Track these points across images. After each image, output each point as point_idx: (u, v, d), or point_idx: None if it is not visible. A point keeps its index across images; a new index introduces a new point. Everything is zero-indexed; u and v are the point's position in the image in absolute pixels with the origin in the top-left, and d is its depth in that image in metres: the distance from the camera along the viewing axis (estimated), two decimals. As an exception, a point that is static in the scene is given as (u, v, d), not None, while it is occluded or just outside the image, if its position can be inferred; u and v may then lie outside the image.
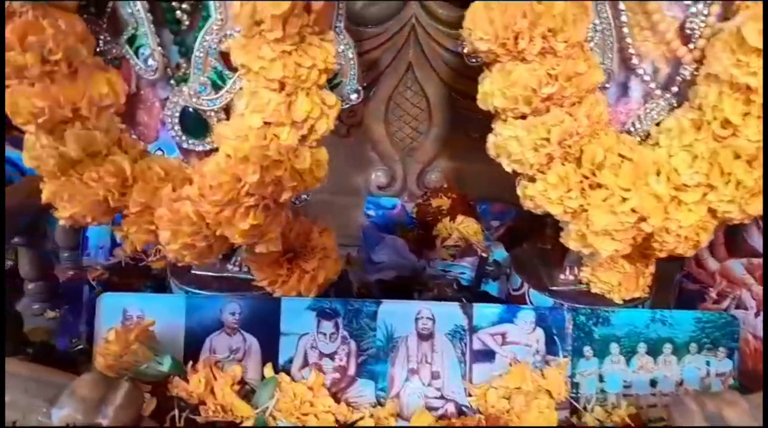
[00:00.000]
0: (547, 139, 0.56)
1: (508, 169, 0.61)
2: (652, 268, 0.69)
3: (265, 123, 0.56)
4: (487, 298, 0.87)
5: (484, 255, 0.77)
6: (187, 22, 0.59)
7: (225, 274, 0.74)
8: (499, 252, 0.90)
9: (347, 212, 1.02)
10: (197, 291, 0.73)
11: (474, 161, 0.99)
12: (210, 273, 0.74)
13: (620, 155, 0.57)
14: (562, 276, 0.74)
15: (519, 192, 0.62)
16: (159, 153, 0.72)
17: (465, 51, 0.65)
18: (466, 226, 0.90)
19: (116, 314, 0.70)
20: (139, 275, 0.90)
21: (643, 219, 0.56)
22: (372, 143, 0.98)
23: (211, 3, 0.57)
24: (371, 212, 0.98)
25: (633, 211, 0.55)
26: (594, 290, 0.71)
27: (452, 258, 0.88)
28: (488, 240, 0.92)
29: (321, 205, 1.01)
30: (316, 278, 0.70)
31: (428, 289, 0.88)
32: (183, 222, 0.59)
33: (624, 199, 0.55)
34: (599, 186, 0.57)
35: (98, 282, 0.90)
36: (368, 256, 0.87)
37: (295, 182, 0.58)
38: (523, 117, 0.57)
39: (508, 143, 0.58)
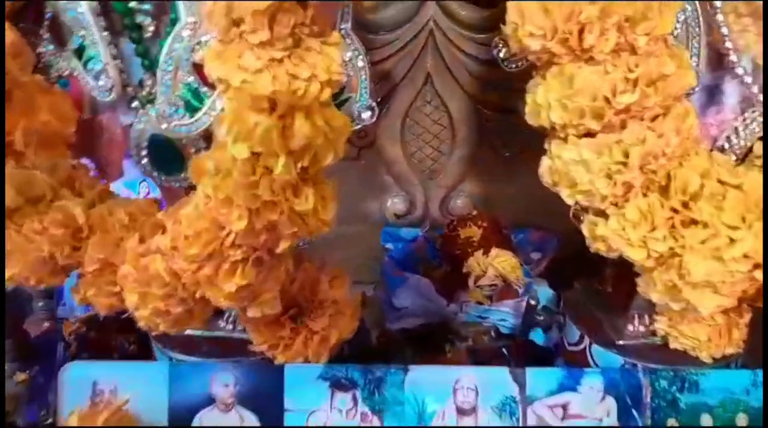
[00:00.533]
0: (624, 163, 0.43)
1: (569, 201, 0.47)
2: (747, 317, 0.55)
3: (253, 154, 0.43)
4: (532, 348, 0.74)
5: (531, 302, 0.63)
6: (151, 28, 0.46)
7: (216, 334, 0.61)
8: (543, 291, 0.76)
9: (360, 244, 0.89)
10: (182, 356, 0.59)
11: (506, 183, 0.86)
12: (198, 334, 0.61)
13: (720, 181, 0.43)
14: (630, 328, 0.60)
15: (585, 231, 0.48)
16: (144, 185, 0.59)
17: (501, 54, 0.52)
18: (503, 261, 0.76)
19: (84, 388, 0.58)
20: (120, 329, 0.76)
21: (758, 265, 0.42)
22: (387, 165, 0.84)
23: (180, 2, 0.44)
24: (388, 245, 0.84)
25: (745, 256, 0.42)
26: (674, 346, 0.57)
27: (489, 300, 0.74)
28: (528, 276, 0.78)
29: (329, 237, 0.88)
30: (327, 339, 0.56)
31: (461, 338, 0.74)
32: (153, 282, 0.46)
33: (732, 241, 0.42)
34: (695, 222, 0.43)
35: (75, 337, 0.77)
36: (389, 300, 0.74)
37: (295, 227, 0.45)
38: (590, 134, 0.44)
39: (572, 169, 0.44)
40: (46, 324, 0.83)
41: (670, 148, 0.42)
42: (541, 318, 0.64)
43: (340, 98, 0.51)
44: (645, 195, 0.44)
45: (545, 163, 0.48)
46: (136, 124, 0.50)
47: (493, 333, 0.74)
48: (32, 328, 0.80)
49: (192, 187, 0.51)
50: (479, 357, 0.74)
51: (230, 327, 0.61)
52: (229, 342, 0.60)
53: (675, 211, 0.43)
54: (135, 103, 0.50)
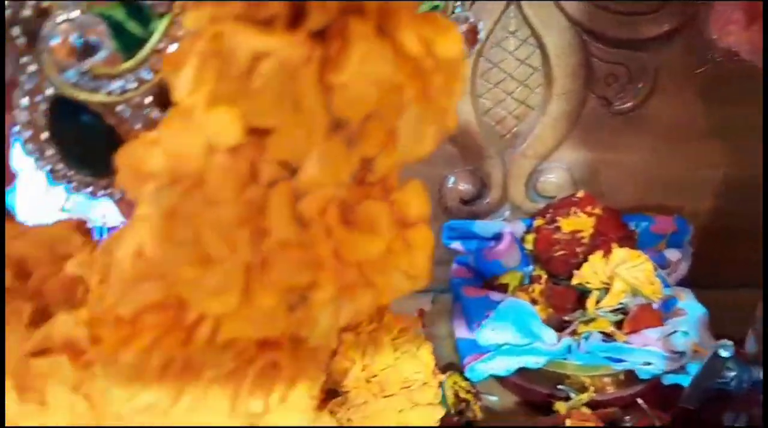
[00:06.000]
0: None
1: None
2: None
3: (255, 133, 0.19)
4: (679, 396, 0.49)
5: (723, 353, 0.38)
6: None
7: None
8: (692, 307, 0.52)
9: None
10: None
11: (619, 149, 0.60)
12: None
13: None
14: None
15: None
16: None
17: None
18: (634, 267, 0.51)
19: None
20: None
21: None
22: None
23: None
24: (455, 245, 0.59)
25: None
26: None
27: (619, 329, 0.50)
28: (666, 286, 0.54)
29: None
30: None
31: (580, 389, 0.50)
32: (54, 413, 0.22)
33: None
34: None
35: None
36: (467, 337, 0.49)
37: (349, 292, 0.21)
38: None
39: None
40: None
41: None
42: (733, 375, 0.40)
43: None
44: None
45: None
46: (23, 80, 0.25)
47: (621, 377, 0.50)
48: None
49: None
50: (605, 416, 0.50)
51: None
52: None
53: None
54: (18, 37, 0.25)
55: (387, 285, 0.22)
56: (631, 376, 0.50)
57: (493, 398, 0.55)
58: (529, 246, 0.57)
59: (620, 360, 0.47)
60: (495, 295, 0.50)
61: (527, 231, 0.58)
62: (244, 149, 0.19)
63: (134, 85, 0.23)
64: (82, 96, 0.23)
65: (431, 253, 0.23)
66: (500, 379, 0.53)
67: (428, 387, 0.34)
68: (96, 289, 0.23)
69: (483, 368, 0.48)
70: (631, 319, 0.50)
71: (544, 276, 0.55)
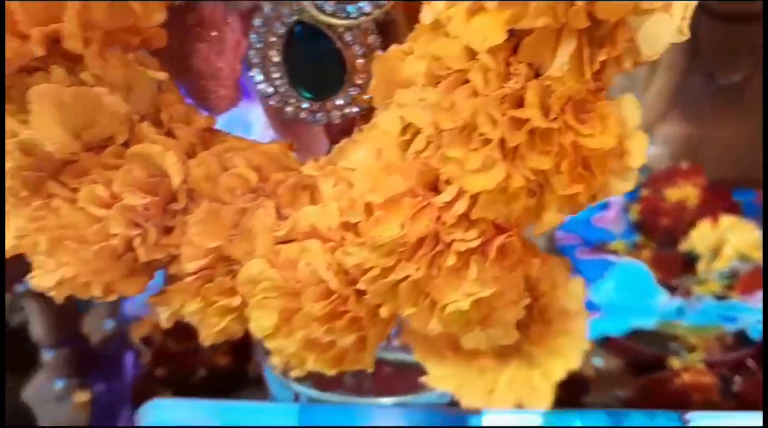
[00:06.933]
0: None
1: None
2: None
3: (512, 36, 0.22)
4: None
5: None
6: None
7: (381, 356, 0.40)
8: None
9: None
10: (314, 390, 0.39)
11: (720, 124, 0.62)
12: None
13: None
14: None
15: None
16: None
17: None
18: (742, 235, 0.53)
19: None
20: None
21: None
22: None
23: None
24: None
25: None
26: None
27: (731, 291, 0.52)
28: (771, 254, 0.55)
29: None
30: (550, 376, 0.35)
31: (689, 349, 0.52)
32: (305, 291, 0.25)
33: None
34: None
35: (147, 343, 0.59)
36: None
37: (578, 182, 0.23)
38: None
39: None
40: (110, 325, 0.64)
41: None
42: None
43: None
44: None
45: None
46: (264, 5, 0.28)
47: (730, 340, 0.52)
48: (92, 335, 0.62)
49: (353, 121, 0.30)
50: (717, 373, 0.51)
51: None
52: (390, 371, 0.39)
53: None
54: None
55: (603, 185, 0.24)
56: (739, 338, 0.51)
57: (598, 359, 0.57)
58: (634, 215, 0.59)
59: (733, 320, 0.49)
60: (610, 257, 0.52)
61: (632, 201, 0.60)
62: (499, 52, 0.22)
63: (369, 8, 0.26)
64: (323, 19, 0.27)
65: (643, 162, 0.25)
66: (605, 342, 0.55)
67: (581, 316, 0.36)
68: (337, 192, 0.26)
69: (597, 326, 0.50)
70: (743, 281, 0.51)
71: (651, 245, 0.57)
